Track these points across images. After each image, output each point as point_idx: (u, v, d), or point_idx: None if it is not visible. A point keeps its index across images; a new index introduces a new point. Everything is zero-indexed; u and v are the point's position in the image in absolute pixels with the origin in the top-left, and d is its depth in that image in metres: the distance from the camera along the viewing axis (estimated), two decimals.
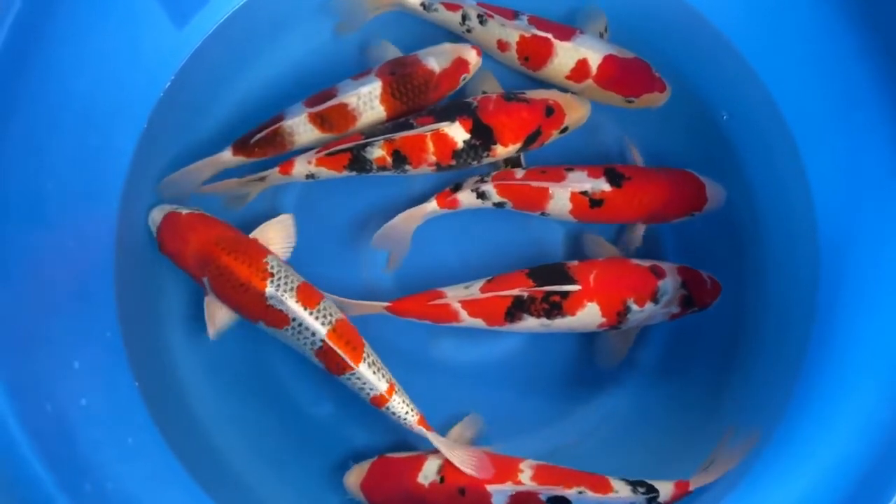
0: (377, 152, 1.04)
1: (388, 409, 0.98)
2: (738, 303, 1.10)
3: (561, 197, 1.05)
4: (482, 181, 1.07)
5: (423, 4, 1.11)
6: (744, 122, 1.12)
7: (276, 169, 1.05)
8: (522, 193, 1.06)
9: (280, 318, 0.96)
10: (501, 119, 1.05)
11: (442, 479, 0.96)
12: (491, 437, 1.08)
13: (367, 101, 1.06)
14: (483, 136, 1.05)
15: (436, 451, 0.99)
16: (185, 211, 1.01)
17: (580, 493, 0.92)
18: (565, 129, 1.09)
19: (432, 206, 1.06)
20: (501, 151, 1.07)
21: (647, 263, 1.05)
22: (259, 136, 1.05)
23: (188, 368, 1.06)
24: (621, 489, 0.94)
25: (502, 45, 1.10)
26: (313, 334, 0.96)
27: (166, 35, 1.05)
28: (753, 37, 1.10)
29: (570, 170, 1.07)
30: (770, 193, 1.10)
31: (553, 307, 1.02)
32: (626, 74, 1.09)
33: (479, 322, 1.03)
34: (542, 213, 1.08)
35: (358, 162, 1.05)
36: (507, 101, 1.07)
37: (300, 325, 0.96)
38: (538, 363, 1.12)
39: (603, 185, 1.05)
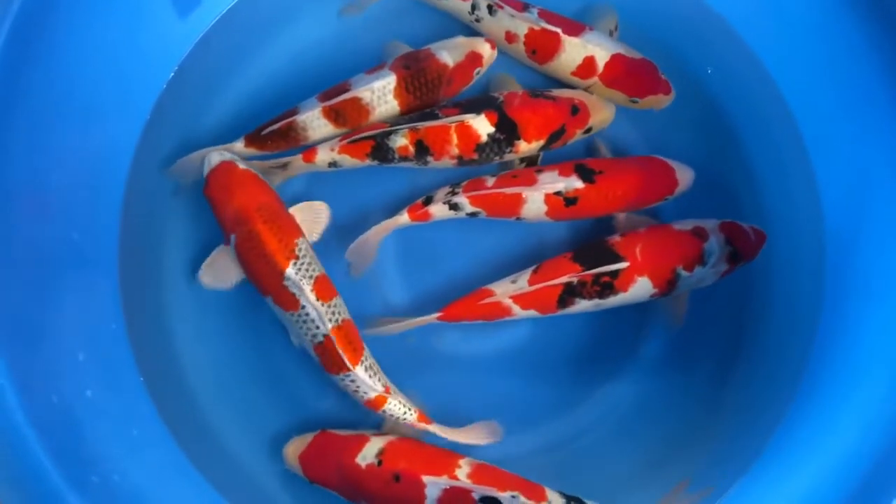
0: (400, 141, 1.03)
1: (384, 411, 1.00)
2: (744, 298, 1.10)
3: (535, 200, 1.04)
4: (453, 192, 1.05)
5: None
6: (751, 116, 1.11)
7: (300, 156, 1.04)
8: (496, 201, 1.04)
9: (290, 301, 0.96)
10: (526, 115, 1.04)
11: (380, 463, 0.95)
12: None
13: (381, 95, 1.05)
14: (507, 131, 1.04)
15: (379, 434, 1.00)
16: (242, 165, 1.00)
17: (513, 497, 0.92)
18: (589, 130, 1.08)
19: (403, 218, 1.05)
20: (524, 147, 1.06)
21: (688, 226, 1.05)
22: (272, 128, 1.05)
23: (193, 360, 1.06)
24: (555, 501, 0.94)
25: (510, 37, 1.09)
26: (317, 327, 0.96)
27: (169, 25, 1.04)
28: (762, 31, 1.09)
29: (540, 171, 1.06)
30: (776, 189, 1.09)
31: (605, 287, 1.02)
32: (632, 74, 1.08)
33: (531, 313, 1.04)
34: (518, 219, 1.07)
35: (381, 150, 1.04)
36: (534, 97, 1.06)
37: (308, 315, 0.96)
38: (542, 354, 1.12)
39: (576, 183, 1.04)
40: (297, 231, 0.99)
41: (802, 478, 0.96)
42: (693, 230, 1.04)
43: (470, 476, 0.94)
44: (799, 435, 0.99)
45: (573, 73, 1.09)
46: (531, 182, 1.04)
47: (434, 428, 1.00)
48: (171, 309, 1.06)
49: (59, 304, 0.95)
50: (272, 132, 1.05)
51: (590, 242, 1.06)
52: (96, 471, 0.92)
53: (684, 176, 1.07)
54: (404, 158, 1.05)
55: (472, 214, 1.06)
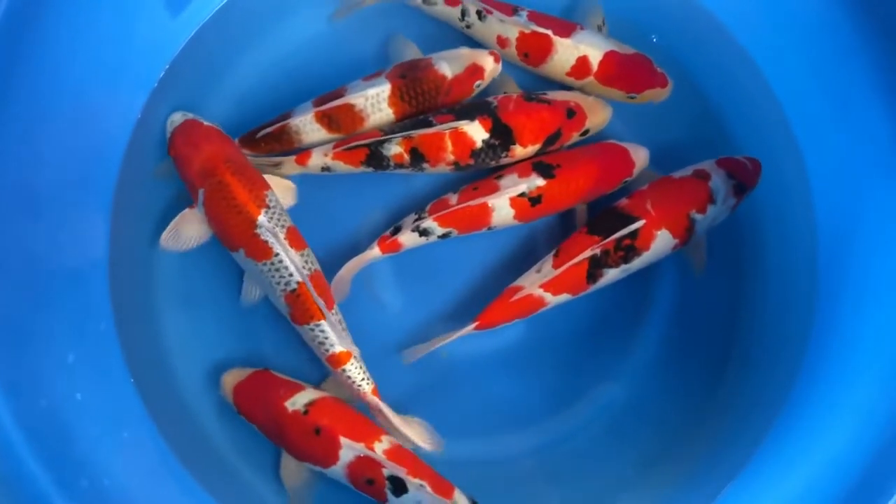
0: (395, 149, 1.03)
1: (343, 371, 0.98)
2: (738, 298, 1.11)
3: (502, 206, 1.03)
4: (420, 218, 1.04)
5: None
6: (743, 114, 1.12)
7: (293, 158, 1.04)
8: (464, 217, 1.04)
9: (263, 250, 0.95)
10: (521, 120, 1.04)
11: (306, 412, 0.96)
12: (486, 429, 1.09)
13: (375, 102, 1.05)
14: (502, 137, 1.04)
15: (316, 388, 1.00)
16: (205, 122, 1.01)
17: (421, 485, 0.93)
18: (586, 132, 1.09)
19: (374, 252, 1.03)
20: (520, 152, 1.06)
21: (688, 171, 1.06)
22: (266, 131, 1.05)
23: (183, 361, 1.04)
24: (460, 501, 0.94)
25: (502, 42, 1.10)
26: (291, 275, 0.95)
27: (161, 23, 1.04)
28: (753, 28, 1.10)
29: (500, 177, 1.06)
30: (769, 188, 1.10)
31: (628, 251, 1.02)
32: (627, 71, 1.08)
33: (565, 297, 1.04)
34: (489, 228, 1.06)
35: (375, 158, 1.04)
36: (528, 101, 1.06)
37: (281, 262, 0.95)
38: (534, 355, 1.11)
39: (537, 181, 1.04)
40: (265, 184, 0.99)
41: (796, 478, 0.97)
42: (695, 173, 1.06)
43: (386, 453, 0.94)
44: (793, 436, 1.00)
45: (568, 74, 1.09)
46: (494, 190, 1.04)
47: (383, 407, 0.99)
48: (161, 308, 1.05)
49: (48, 306, 0.94)
50: (266, 135, 1.05)
51: (600, 213, 1.06)
52: (86, 474, 0.90)
53: (640, 155, 1.09)
54: (399, 166, 1.05)
55: (444, 236, 1.05)
